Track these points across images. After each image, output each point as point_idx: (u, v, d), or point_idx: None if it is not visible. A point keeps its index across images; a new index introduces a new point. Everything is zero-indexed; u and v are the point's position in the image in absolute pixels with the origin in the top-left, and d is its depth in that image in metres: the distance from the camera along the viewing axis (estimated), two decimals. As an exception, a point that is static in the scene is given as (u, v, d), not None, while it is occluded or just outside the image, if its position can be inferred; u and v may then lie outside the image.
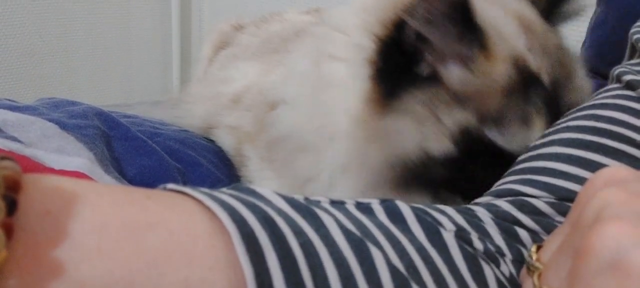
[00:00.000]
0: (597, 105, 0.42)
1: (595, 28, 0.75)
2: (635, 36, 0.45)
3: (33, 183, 0.23)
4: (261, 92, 0.61)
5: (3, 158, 0.22)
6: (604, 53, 0.73)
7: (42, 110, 0.57)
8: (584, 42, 0.79)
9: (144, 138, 0.59)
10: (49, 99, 0.64)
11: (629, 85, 0.41)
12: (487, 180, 0.43)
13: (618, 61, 0.48)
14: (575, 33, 0.89)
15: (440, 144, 0.44)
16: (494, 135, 0.44)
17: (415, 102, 0.45)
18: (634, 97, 0.41)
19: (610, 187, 0.26)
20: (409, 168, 0.45)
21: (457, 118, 0.44)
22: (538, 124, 0.44)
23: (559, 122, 0.44)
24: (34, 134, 0.50)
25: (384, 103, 0.46)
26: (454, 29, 0.43)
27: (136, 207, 0.25)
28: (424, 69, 0.45)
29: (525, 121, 0.44)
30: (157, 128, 0.66)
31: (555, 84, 0.46)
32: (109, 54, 1.60)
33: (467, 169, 0.45)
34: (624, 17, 0.70)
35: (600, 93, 0.44)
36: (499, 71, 0.44)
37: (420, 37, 0.44)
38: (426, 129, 0.45)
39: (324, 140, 0.48)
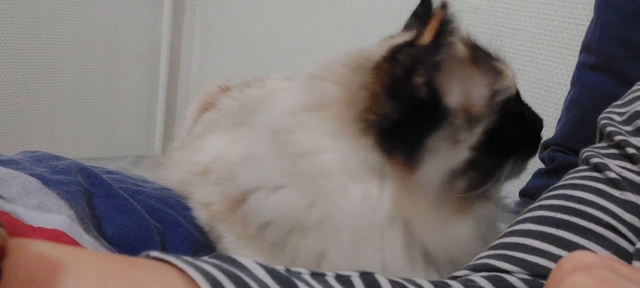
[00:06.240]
0: (568, 186, 0.44)
1: (570, 107, 0.78)
2: (603, 122, 0.47)
3: (18, 250, 0.23)
4: (227, 165, 0.60)
5: (-9, 223, 0.22)
6: (578, 132, 0.75)
7: (25, 164, 0.56)
8: (559, 119, 0.81)
9: (126, 196, 0.59)
10: (33, 152, 0.64)
11: (596, 168, 0.44)
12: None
13: (591, 139, 0.50)
14: (551, 110, 0.92)
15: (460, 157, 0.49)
16: None
17: (438, 141, 0.48)
18: (601, 178, 0.43)
19: (578, 273, 0.27)
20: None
21: (476, 132, 0.49)
22: None
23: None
24: (15, 189, 0.50)
25: (409, 164, 0.47)
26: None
27: (120, 277, 0.25)
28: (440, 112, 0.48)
29: None
30: (139, 185, 0.65)
31: None
32: (94, 106, 1.60)
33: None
34: (596, 99, 0.73)
35: (571, 174, 0.46)
36: None
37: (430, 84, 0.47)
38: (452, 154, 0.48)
39: (326, 223, 0.49)
